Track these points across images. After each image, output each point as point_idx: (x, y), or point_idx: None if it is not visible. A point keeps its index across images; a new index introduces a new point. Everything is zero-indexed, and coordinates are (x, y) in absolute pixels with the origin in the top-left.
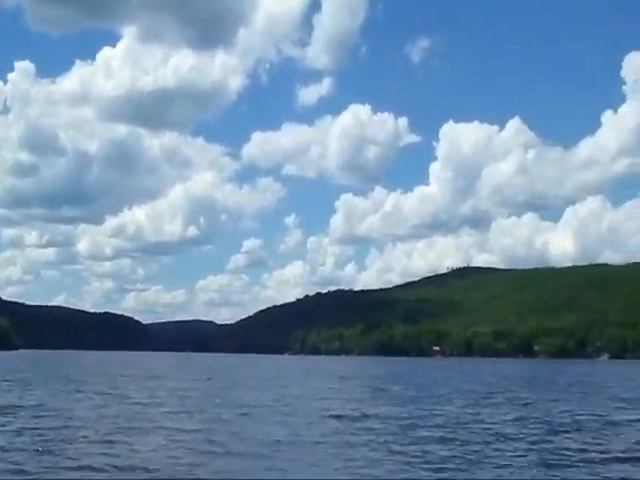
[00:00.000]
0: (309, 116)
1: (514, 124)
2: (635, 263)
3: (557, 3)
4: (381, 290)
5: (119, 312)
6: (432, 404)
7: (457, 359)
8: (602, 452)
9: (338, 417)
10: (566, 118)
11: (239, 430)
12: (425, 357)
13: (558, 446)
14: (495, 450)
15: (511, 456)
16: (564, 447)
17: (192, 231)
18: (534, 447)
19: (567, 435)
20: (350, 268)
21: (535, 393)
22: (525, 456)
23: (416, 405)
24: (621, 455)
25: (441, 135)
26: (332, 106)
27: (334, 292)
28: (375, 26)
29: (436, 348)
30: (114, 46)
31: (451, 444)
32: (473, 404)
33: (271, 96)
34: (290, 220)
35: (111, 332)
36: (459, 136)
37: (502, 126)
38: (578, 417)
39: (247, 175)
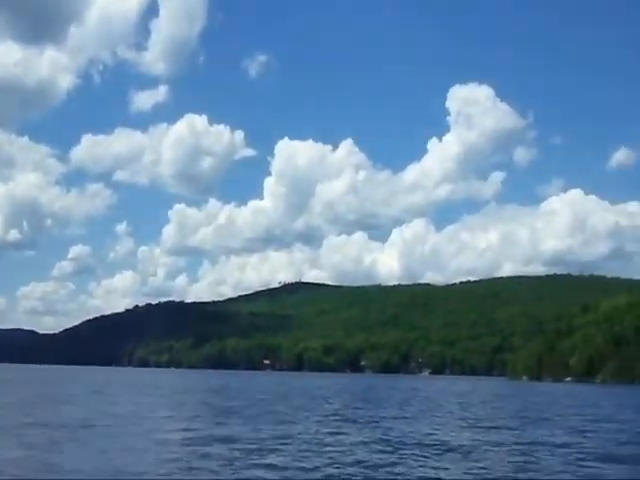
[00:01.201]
0: (143, 122)
1: (346, 145)
2: (454, 284)
3: (391, 31)
4: (213, 303)
5: None
6: (273, 423)
7: (287, 373)
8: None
9: (173, 440)
10: (395, 143)
11: (53, 459)
12: (256, 371)
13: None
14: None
15: None
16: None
17: (13, 235)
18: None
19: (426, 460)
20: (182, 279)
21: (376, 410)
22: None
23: (257, 425)
24: None
25: (276, 151)
26: (167, 114)
27: (165, 303)
28: (214, 36)
29: (267, 362)
30: None
31: (301, 474)
32: (316, 422)
33: (104, 99)
34: (121, 228)
35: None
36: (294, 153)
37: (335, 146)
38: (431, 438)
39: (75, 179)
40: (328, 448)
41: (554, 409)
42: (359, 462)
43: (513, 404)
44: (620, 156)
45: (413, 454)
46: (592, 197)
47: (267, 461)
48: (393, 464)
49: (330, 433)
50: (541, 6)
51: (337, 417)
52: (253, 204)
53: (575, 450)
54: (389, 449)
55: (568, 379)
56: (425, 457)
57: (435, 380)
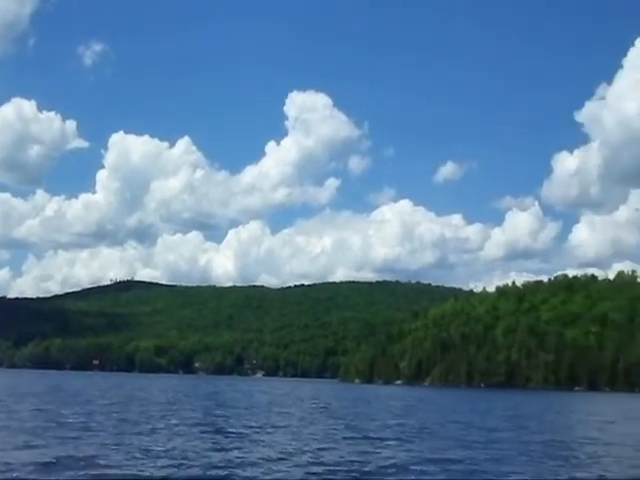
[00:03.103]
0: None
1: (184, 143)
2: (289, 287)
3: (236, 32)
4: (38, 299)
5: None
6: (132, 435)
7: (118, 374)
8: None
9: (16, 465)
10: (234, 144)
11: None
12: (84, 371)
13: None
14: None
15: None
16: None
17: None
18: None
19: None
20: (4, 274)
21: (239, 418)
22: None
23: (116, 439)
24: None
25: (110, 144)
26: None
27: None
28: (47, 19)
29: (96, 362)
30: None
31: None
32: (183, 434)
33: None
34: None
35: None
36: (129, 147)
37: (172, 143)
38: (323, 453)
39: None
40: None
41: (423, 415)
42: None
43: (375, 410)
44: (447, 170)
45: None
46: (420, 208)
47: None
48: None
49: (209, 449)
50: (381, 22)
51: (203, 427)
52: (84, 197)
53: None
54: (289, 469)
55: (398, 382)
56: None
57: (273, 382)
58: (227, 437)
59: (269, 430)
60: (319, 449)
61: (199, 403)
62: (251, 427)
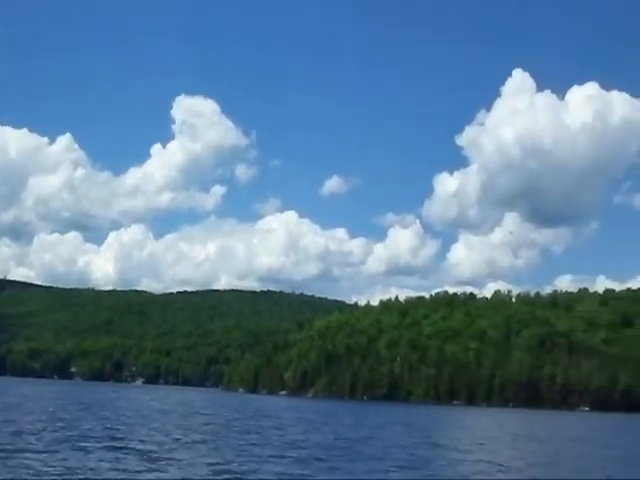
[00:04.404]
0: None
1: (65, 140)
2: (171, 293)
3: (125, 30)
4: None
5: None
6: (7, 453)
7: None
8: None
9: None
10: (118, 144)
11: None
12: None
13: None
14: None
15: None
16: None
17: None
18: None
19: None
20: None
21: (146, 431)
22: None
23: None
24: None
25: None
26: None
27: None
28: None
29: None
30: None
31: None
32: (97, 451)
33: None
34: None
35: None
36: (5, 141)
37: (53, 139)
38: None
39: None
40: None
41: (333, 429)
42: None
43: (280, 423)
44: (332, 184)
45: None
46: (305, 220)
47: None
48: None
49: (121, 469)
50: (272, 30)
51: (105, 443)
52: None
53: None
54: None
55: (283, 392)
56: None
57: (156, 390)
58: (135, 453)
59: (178, 446)
60: (249, 470)
61: (88, 413)
62: (158, 443)
